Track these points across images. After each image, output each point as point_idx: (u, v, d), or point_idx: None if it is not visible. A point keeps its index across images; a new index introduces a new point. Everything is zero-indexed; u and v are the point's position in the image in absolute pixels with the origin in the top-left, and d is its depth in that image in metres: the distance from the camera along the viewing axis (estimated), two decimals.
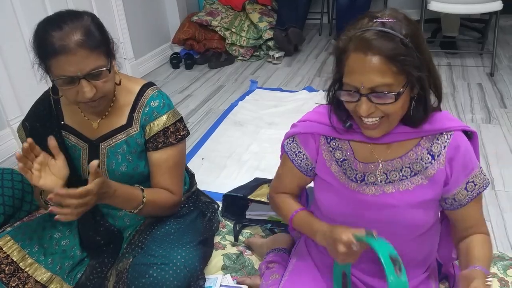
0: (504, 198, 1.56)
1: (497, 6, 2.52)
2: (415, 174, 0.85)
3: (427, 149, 0.85)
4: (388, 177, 0.87)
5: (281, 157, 1.04)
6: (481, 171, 0.86)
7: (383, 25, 0.74)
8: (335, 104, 0.87)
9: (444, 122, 0.84)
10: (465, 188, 0.84)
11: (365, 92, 0.75)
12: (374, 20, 0.75)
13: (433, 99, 0.83)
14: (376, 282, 0.94)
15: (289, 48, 3.16)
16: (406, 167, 0.86)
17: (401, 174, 0.86)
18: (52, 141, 0.91)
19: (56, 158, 0.93)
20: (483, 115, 2.18)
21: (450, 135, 0.84)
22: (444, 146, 0.84)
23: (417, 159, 0.85)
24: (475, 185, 0.84)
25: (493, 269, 1.23)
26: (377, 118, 0.79)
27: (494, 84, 2.55)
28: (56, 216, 0.86)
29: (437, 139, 0.85)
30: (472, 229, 0.88)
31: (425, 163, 0.85)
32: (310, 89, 2.59)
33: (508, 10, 2.81)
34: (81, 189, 0.85)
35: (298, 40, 3.19)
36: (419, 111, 0.81)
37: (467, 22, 3.30)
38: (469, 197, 0.85)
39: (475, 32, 3.31)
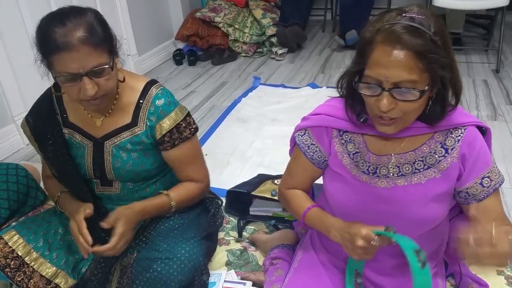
0: (511, 195, 1.55)
1: (503, 1, 2.49)
2: (428, 167, 0.85)
3: (440, 143, 0.84)
4: (401, 170, 0.86)
5: (290, 151, 1.03)
6: (495, 166, 0.85)
7: (412, 20, 0.72)
8: (350, 97, 0.85)
9: (459, 117, 0.84)
10: (481, 184, 0.83)
11: (388, 86, 0.73)
12: (403, 15, 0.74)
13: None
14: (386, 280, 0.93)
15: (292, 45, 3.15)
16: (419, 160, 0.85)
17: (414, 167, 0.85)
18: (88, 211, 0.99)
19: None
20: (488, 112, 2.17)
21: (464, 129, 0.84)
22: (458, 140, 0.84)
23: (431, 152, 0.85)
24: (491, 180, 0.83)
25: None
26: (393, 119, 0.78)
27: (500, 80, 2.53)
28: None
29: (451, 133, 0.84)
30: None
31: (439, 157, 0.84)
32: (314, 86, 2.58)
33: None
34: (113, 243, 0.94)
35: (298, 38, 3.17)
36: (436, 110, 0.80)
37: (472, 18, 3.28)
38: (485, 193, 0.84)
39: (481, 28, 3.29)
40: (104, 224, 0.95)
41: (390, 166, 0.86)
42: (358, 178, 0.89)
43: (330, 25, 3.72)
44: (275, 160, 1.79)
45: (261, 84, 2.67)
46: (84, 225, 0.97)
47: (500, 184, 0.85)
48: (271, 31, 3.13)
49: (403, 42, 0.71)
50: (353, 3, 3.05)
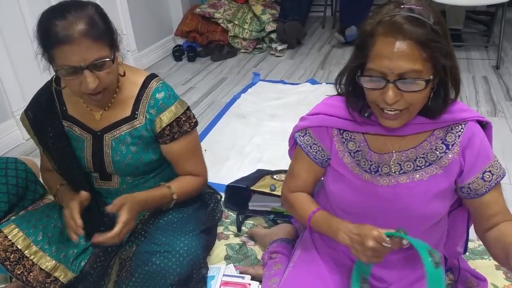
0: (510, 191, 1.55)
1: None
2: (430, 164, 0.85)
3: (441, 139, 0.84)
4: (402, 167, 0.86)
5: (290, 152, 1.02)
6: (497, 160, 0.85)
7: (411, 11, 0.72)
8: (351, 93, 0.84)
9: (459, 113, 0.83)
10: (482, 178, 0.83)
11: (393, 78, 0.72)
12: (402, 6, 0.74)
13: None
14: (389, 274, 0.93)
15: (291, 41, 3.14)
16: (420, 157, 0.85)
17: (415, 164, 0.85)
18: (83, 195, 0.98)
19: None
20: (488, 108, 2.17)
21: (465, 124, 0.84)
22: (459, 136, 0.84)
23: (431, 149, 0.85)
24: (493, 174, 0.83)
25: None
26: (398, 111, 0.77)
27: (500, 77, 2.53)
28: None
29: (451, 129, 0.84)
30: (496, 218, 0.85)
31: (439, 153, 0.84)
32: (313, 82, 2.58)
33: None
34: (116, 230, 0.92)
35: (297, 34, 3.16)
36: (438, 102, 0.80)
37: (473, 14, 3.27)
38: (487, 187, 0.84)
39: (481, 24, 3.28)
40: (109, 208, 0.94)
41: (391, 164, 0.86)
42: (360, 177, 0.88)
43: (330, 21, 3.72)
44: (274, 155, 1.79)
45: (260, 80, 2.67)
46: (76, 209, 0.96)
47: (502, 178, 0.85)
48: (270, 27, 3.12)
49: (406, 32, 0.70)
50: (353, 0, 3.04)
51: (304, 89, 2.47)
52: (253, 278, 1.19)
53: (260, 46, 3.22)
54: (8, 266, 1.01)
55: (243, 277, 1.19)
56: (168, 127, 1.05)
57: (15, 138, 2.05)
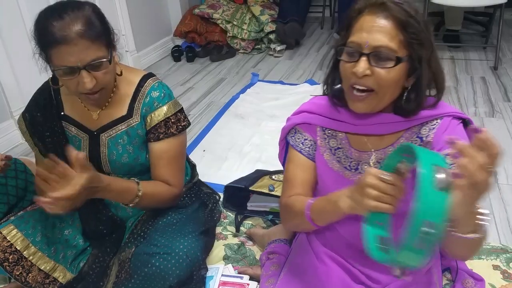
0: (507, 191, 1.56)
1: None
2: None
3: (416, 133, 0.86)
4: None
5: (280, 155, 1.03)
6: None
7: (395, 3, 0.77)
8: (333, 85, 0.86)
9: (437, 109, 0.84)
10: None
11: (368, 51, 0.75)
12: None
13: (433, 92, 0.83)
14: (382, 277, 0.93)
15: (290, 41, 3.15)
16: None
17: None
18: (73, 153, 0.85)
19: (76, 169, 0.86)
20: (486, 109, 2.18)
21: (440, 119, 0.84)
22: (433, 128, 0.84)
23: None
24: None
25: (496, 262, 1.23)
26: (366, 93, 0.78)
27: (498, 77, 2.54)
28: (47, 208, 0.84)
29: (427, 123, 0.85)
30: None
31: None
32: (312, 82, 2.58)
33: None
34: (73, 190, 0.83)
35: (297, 35, 3.16)
36: (411, 101, 0.81)
37: (471, 15, 3.28)
38: None
39: (479, 25, 3.29)
40: (73, 153, 0.84)
41: (371, 162, 0.87)
42: (341, 174, 0.90)
43: (328, 22, 3.72)
44: (273, 155, 1.78)
45: (259, 80, 2.67)
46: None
47: None
48: (269, 27, 3.12)
49: (388, 9, 0.75)
50: (351, 0, 3.04)
51: (302, 90, 2.48)
52: (251, 278, 1.19)
53: (259, 46, 3.23)
54: (7, 267, 1.01)
55: (241, 277, 1.19)
56: (156, 126, 1.04)
57: (14, 138, 2.05)
